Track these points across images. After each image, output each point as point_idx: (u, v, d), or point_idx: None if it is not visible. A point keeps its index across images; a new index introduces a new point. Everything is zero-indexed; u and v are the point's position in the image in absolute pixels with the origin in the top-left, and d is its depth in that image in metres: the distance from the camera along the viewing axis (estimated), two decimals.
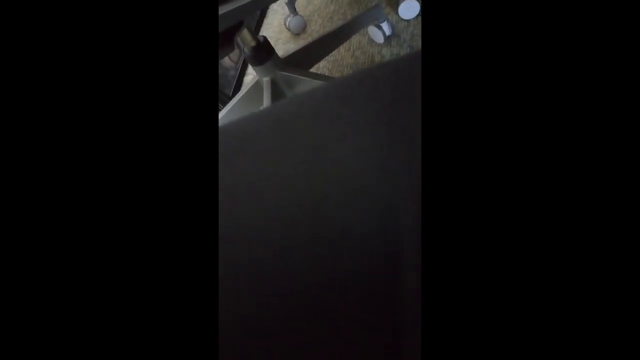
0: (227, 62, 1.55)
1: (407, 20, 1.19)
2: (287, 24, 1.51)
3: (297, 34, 1.54)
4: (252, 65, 0.92)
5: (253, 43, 0.88)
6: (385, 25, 1.13)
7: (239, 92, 0.99)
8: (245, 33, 0.87)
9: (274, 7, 1.85)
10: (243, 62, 1.57)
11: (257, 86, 0.97)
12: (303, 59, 0.99)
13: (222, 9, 0.64)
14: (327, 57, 1.22)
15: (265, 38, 0.91)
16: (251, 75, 1.55)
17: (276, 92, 0.92)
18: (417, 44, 1.11)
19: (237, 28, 0.84)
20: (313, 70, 1.08)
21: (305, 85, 0.91)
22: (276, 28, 1.68)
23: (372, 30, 1.15)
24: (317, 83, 0.90)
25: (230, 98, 1.11)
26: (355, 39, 1.26)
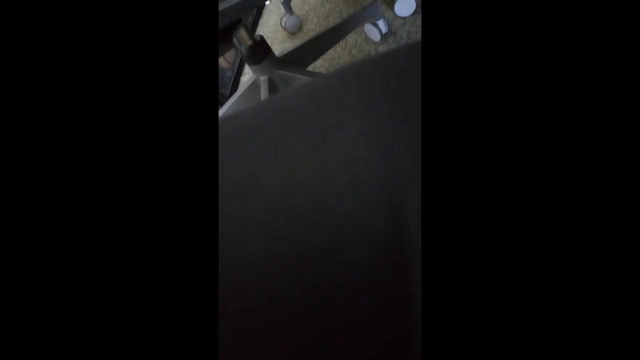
0: (224, 63, 1.55)
1: (404, 18, 1.19)
2: (283, 23, 1.51)
3: (293, 33, 1.53)
4: (249, 64, 0.92)
5: (250, 42, 0.88)
6: (381, 23, 1.13)
7: (236, 92, 0.99)
8: (242, 32, 0.87)
9: (269, 6, 1.85)
10: (240, 63, 1.57)
11: (254, 85, 0.97)
12: (300, 58, 0.99)
13: (220, 6, 0.64)
14: (323, 56, 1.22)
15: (262, 37, 0.91)
16: (248, 75, 1.54)
17: (273, 91, 0.92)
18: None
19: (234, 26, 0.83)
20: (310, 69, 1.07)
21: None
22: (272, 28, 1.68)
23: (369, 28, 1.15)
24: None
25: (227, 98, 1.10)
26: (351, 37, 1.26)
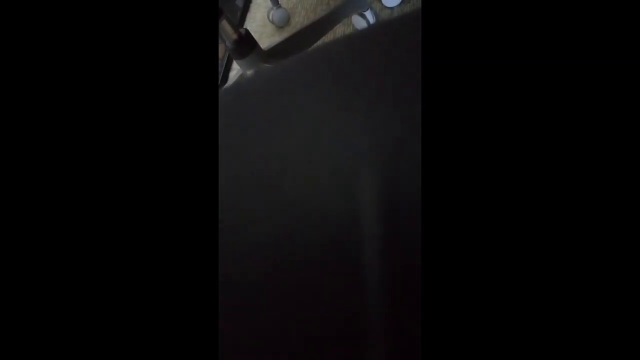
0: None
1: (391, 8, 1.18)
2: (271, 17, 1.50)
3: (281, 26, 1.52)
4: (236, 59, 0.91)
5: (234, 36, 0.87)
6: (369, 14, 1.12)
7: (224, 86, 0.98)
8: (227, 26, 0.86)
9: (256, 1, 1.84)
10: (228, 58, 1.56)
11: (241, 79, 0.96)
12: (287, 51, 0.98)
13: None
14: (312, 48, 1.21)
15: (247, 30, 0.90)
16: (236, 69, 1.53)
17: None
18: None
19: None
20: None
21: None
22: (260, 22, 1.66)
23: (357, 19, 1.15)
24: None
25: None
26: (339, 29, 1.25)
